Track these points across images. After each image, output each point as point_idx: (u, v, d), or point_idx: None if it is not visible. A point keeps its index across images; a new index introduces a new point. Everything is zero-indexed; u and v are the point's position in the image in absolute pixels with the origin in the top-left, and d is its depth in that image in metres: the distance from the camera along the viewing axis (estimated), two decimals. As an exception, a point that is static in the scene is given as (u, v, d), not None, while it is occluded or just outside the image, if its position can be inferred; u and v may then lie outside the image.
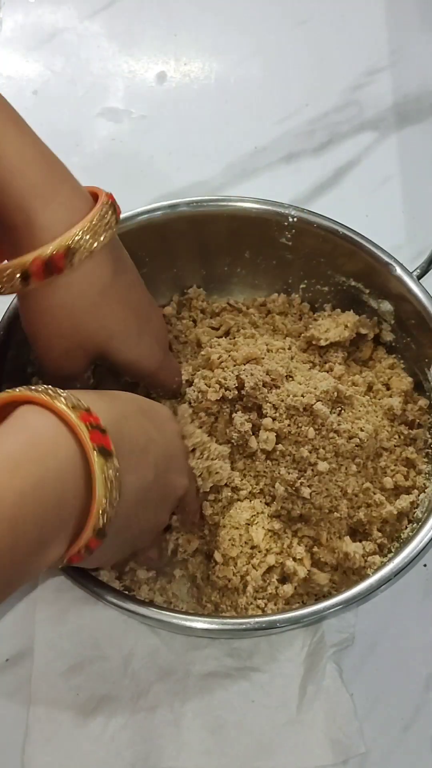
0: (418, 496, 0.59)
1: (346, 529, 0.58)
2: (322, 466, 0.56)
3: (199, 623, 0.52)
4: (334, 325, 0.64)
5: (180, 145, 0.81)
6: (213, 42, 0.86)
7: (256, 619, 0.53)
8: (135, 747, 0.57)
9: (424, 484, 0.60)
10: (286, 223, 0.64)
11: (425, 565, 0.63)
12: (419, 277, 0.62)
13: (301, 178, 0.79)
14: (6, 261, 0.49)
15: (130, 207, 0.63)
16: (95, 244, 0.49)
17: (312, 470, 0.56)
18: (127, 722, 0.58)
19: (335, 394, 0.58)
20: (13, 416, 0.43)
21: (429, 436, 0.61)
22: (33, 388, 0.44)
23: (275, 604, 0.56)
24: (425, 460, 0.61)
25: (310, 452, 0.56)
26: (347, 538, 0.57)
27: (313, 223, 0.64)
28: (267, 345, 0.63)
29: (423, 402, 0.62)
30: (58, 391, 0.44)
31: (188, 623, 0.52)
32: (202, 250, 0.66)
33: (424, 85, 0.84)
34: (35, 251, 0.48)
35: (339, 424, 0.57)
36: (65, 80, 0.84)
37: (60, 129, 0.82)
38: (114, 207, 0.51)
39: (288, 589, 0.56)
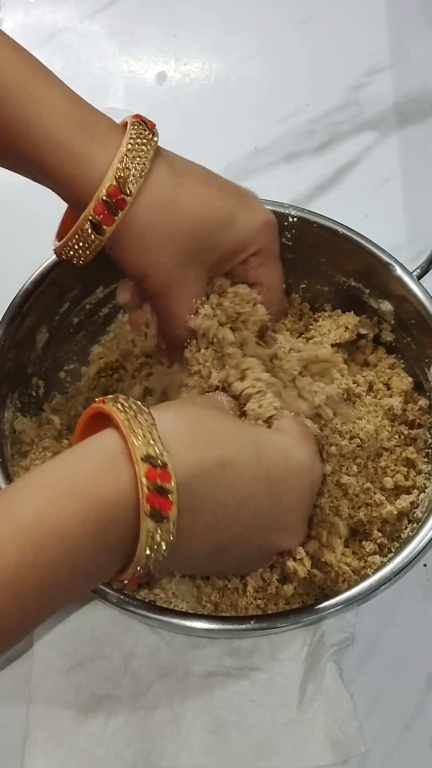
0: (418, 496, 0.59)
1: (346, 530, 0.58)
2: (326, 468, 0.57)
3: (199, 623, 0.52)
4: (335, 327, 0.64)
5: (180, 146, 0.80)
6: (213, 42, 0.86)
7: (256, 619, 0.53)
8: (135, 746, 0.57)
9: (424, 484, 0.60)
10: (286, 223, 0.64)
11: (425, 565, 0.64)
12: (419, 277, 0.62)
13: (301, 178, 0.79)
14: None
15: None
16: (141, 165, 0.49)
17: None
18: (127, 721, 0.58)
19: (345, 395, 0.58)
20: (93, 441, 0.43)
21: (429, 436, 0.61)
22: (124, 404, 0.43)
23: (275, 604, 0.56)
24: (425, 460, 0.61)
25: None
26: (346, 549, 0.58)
27: (313, 223, 0.63)
28: None
29: (423, 402, 0.62)
30: (147, 421, 0.42)
31: (188, 623, 0.52)
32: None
33: (424, 85, 0.84)
34: (93, 198, 0.49)
35: (342, 425, 0.57)
36: (65, 80, 0.83)
37: (60, 129, 0.81)
38: (145, 123, 0.51)
39: (288, 589, 0.56)
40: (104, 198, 0.48)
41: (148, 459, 0.41)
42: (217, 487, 0.44)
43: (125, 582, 0.44)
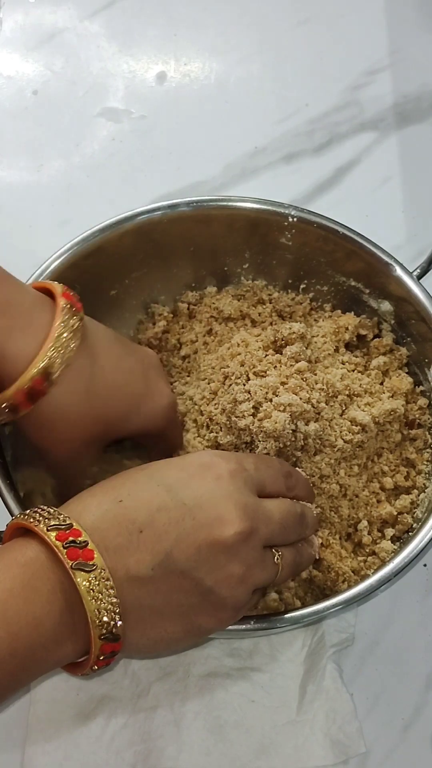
0: (418, 496, 0.59)
1: (346, 530, 0.58)
2: (326, 470, 0.57)
3: (199, 623, 0.52)
4: (335, 327, 0.64)
5: (180, 145, 0.81)
6: (213, 42, 0.86)
7: (256, 619, 0.53)
8: (135, 747, 0.57)
9: (424, 484, 0.60)
10: (286, 223, 0.64)
11: (425, 565, 0.64)
12: (419, 277, 0.62)
13: (301, 178, 0.79)
14: None
15: (129, 207, 0.63)
16: (68, 355, 0.49)
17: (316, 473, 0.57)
18: (127, 722, 0.58)
19: (346, 392, 0.59)
20: (4, 548, 0.45)
21: (429, 436, 0.61)
22: (26, 512, 0.46)
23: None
24: (425, 459, 0.61)
25: (312, 455, 0.57)
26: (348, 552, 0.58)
27: (313, 223, 0.64)
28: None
29: (423, 402, 0.62)
30: (48, 511, 0.45)
31: (188, 623, 0.52)
32: (201, 251, 0.66)
33: (424, 85, 0.84)
34: (14, 385, 0.49)
35: (341, 427, 0.57)
36: (65, 80, 0.84)
37: (60, 129, 0.82)
38: (72, 307, 0.51)
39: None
40: (27, 389, 0.49)
41: (51, 527, 0.44)
42: (122, 517, 0.46)
43: (92, 670, 0.46)
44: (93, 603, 0.43)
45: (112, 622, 0.43)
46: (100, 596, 0.43)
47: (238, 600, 0.47)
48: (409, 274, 0.62)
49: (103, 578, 0.43)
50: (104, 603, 0.43)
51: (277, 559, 0.50)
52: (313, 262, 0.65)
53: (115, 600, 0.43)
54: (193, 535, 0.46)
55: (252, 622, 0.52)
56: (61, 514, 0.45)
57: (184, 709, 0.58)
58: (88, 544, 0.44)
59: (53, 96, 0.83)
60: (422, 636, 0.62)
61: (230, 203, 0.64)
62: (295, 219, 0.64)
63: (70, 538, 0.44)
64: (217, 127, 0.82)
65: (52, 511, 0.45)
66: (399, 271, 0.62)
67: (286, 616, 0.53)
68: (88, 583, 0.43)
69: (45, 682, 0.58)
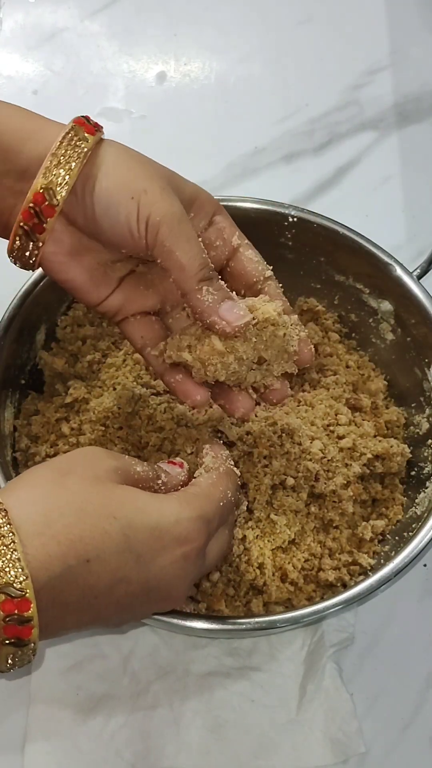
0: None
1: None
2: (328, 486, 0.58)
3: (199, 623, 0.52)
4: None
5: (180, 145, 0.81)
6: (213, 42, 0.86)
7: (256, 619, 0.53)
8: (134, 746, 0.57)
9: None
10: (286, 223, 0.64)
11: (425, 565, 0.64)
12: (419, 277, 0.62)
13: (301, 178, 0.79)
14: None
15: (130, 207, 0.63)
16: (68, 177, 0.47)
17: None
18: (127, 721, 0.58)
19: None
20: None
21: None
22: None
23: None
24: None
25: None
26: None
27: (313, 223, 0.64)
28: None
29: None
30: (5, 541, 0.40)
31: (188, 623, 0.52)
32: (202, 250, 0.66)
33: (424, 85, 0.84)
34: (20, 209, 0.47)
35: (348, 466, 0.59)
36: (65, 80, 0.84)
37: (60, 129, 0.82)
38: (82, 129, 0.48)
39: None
40: (29, 208, 0.47)
41: (4, 589, 0.40)
42: (83, 580, 0.43)
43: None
44: (5, 667, 0.41)
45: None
46: (19, 662, 0.41)
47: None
48: (409, 274, 0.62)
49: (31, 651, 0.41)
50: (20, 664, 0.42)
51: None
52: (313, 261, 0.66)
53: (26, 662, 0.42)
54: (140, 608, 0.48)
55: (252, 622, 0.52)
56: (18, 561, 0.40)
57: (184, 708, 0.58)
58: (32, 621, 0.40)
59: (53, 96, 0.83)
60: (422, 636, 0.62)
61: (230, 203, 0.64)
62: (295, 219, 0.64)
63: (15, 613, 0.40)
64: (217, 127, 0.82)
65: (9, 546, 0.40)
66: (399, 271, 0.62)
67: (286, 616, 0.53)
68: (12, 662, 0.41)
69: (45, 682, 0.58)
